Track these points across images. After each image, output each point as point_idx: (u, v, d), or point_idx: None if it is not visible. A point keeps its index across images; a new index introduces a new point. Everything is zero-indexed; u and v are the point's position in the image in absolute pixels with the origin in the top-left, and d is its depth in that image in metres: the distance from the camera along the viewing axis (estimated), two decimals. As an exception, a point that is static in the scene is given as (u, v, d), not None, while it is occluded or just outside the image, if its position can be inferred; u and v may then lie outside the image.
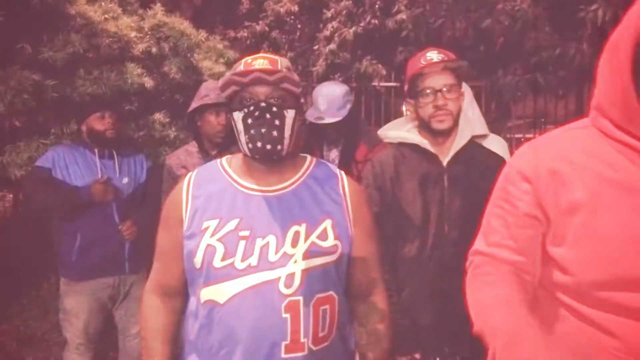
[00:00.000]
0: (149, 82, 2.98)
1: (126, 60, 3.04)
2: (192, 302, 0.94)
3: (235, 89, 0.93)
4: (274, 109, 0.92)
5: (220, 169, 1.00)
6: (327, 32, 4.27)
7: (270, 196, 0.96)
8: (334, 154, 1.95)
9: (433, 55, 1.30)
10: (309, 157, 1.06)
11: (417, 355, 1.20)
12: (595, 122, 0.78)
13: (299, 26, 4.68)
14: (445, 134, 1.30)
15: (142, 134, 2.86)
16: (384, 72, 3.93)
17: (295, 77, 0.96)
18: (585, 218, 0.72)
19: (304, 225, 0.94)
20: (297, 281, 0.89)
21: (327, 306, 0.93)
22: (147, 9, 3.43)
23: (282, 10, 4.53)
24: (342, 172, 1.06)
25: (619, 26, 0.73)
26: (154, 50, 3.20)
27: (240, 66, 0.94)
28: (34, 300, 3.06)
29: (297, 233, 0.93)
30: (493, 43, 2.99)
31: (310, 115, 1.89)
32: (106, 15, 3.04)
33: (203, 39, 3.51)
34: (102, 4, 3.12)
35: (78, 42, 2.72)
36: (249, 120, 0.92)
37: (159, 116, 3.04)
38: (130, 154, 2.07)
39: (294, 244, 0.92)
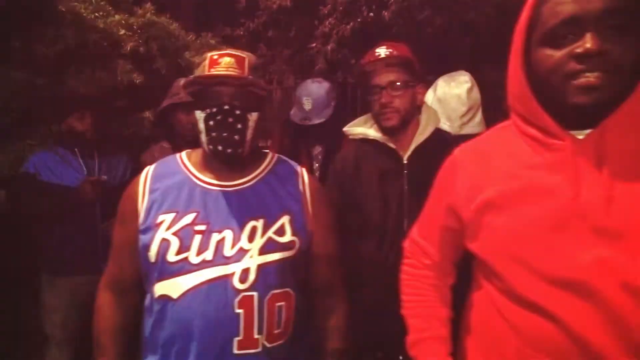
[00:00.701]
0: (138, 78, 2.99)
1: (116, 58, 3.04)
2: (147, 298, 0.94)
3: (199, 88, 0.92)
4: (237, 112, 0.91)
5: (180, 163, 1.00)
6: (325, 29, 4.23)
7: (228, 191, 0.96)
8: (317, 149, 1.95)
9: (381, 50, 1.27)
10: (270, 154, 1.06)
11: (379, 354, 1.20)
12: (512, 119, 0.78)
13: (294, 23, 4.66)
14: (395, 132, 1.27)
15: (131, 132, 2.87)
16: None
17: (261, 81, 0.94)
18: (495, 217, 0.74)
19: (261, 221, 0.94)
20: (252, 276, 0.89)
21: (283, 303, 0.93)
22: (139, 8, 3.43)
23: (274, 6, 4.51)
24: (303, 169, 1.05)
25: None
26: (142, 49, 3.21)
27: (206, 62, 0.92)
28: (27, 295, 3.08)
29: (254, 228, 0.93)
30: (478, 36, 2.96)
31: (295, 117, 1.88)
32: (96, 14, 3.05)
33: (192, 40, 3.51)
34: (93, 1, 3.12)
35: (69, 37, 2.74)
36: (211, 122, 0.91)
37: (148, 114, 3.05)
38: (111, 153, 2.07)
39: (251, 239, 0.92)
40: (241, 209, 0.94)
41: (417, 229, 0.96)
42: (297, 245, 0.95)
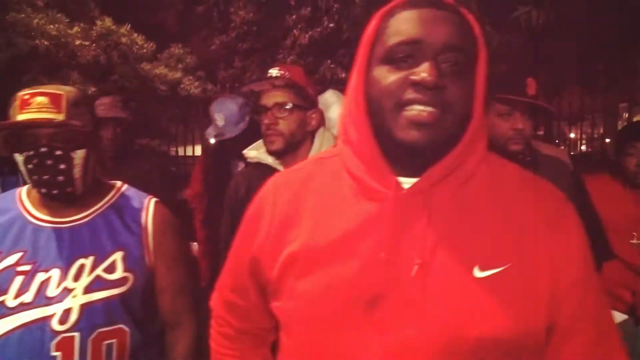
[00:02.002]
0: (91, 89, 3.00)
1: (71, 69, 3.05)
2: None
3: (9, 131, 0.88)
4: (58, 152, 0.88)
5: (16, 199, 0.98)
6: (288, 40, 4.26)
7: (62, 228, 0.94)
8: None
9: (273, 71, 1.26)
10: (117, 186, 1.04)
11: None
12: (339, 147, 0.68)
13: (264, 34, 4.66)
14: (280, 155, 1.23)
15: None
16: (342, 75, 3.89)
17: (83, 115, 0.90)
18: (297, 280, 0.62)
19: (90, 258, 0.92)
20: (73, 317, 0.87)
21: (113, 340, 0.90)
22: (97, 21, 3.44)
23: (237, 19, 4.54)
24: (152, 201, 1.03)
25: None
26: (102, 58, 3.22)
27: (17, 103, 0.88)
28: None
29: (82, 266, 0.91)
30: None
31: (210, 134, 1.88)
32: (52, 25, 3.06)
33: (151, 50, 3.52)
34: (49, 13, 3.14)
35: (20, 44, 2.75)
36: (30, 166, 0.88)
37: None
38: None
39: (77, 277, 0.90)
40: (72, 247, 0.92)
41: (224, 281, 0.79)
42: (131, 282, 0.93)
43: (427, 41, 0.57)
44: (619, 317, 1.67)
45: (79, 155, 0.91)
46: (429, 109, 0.56)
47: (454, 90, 0.57)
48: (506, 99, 1.38)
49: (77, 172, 0.91)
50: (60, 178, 0.89)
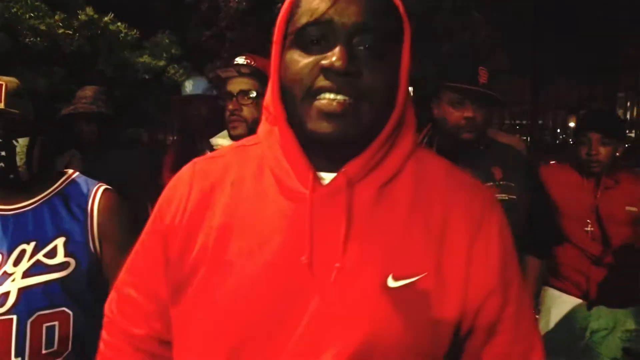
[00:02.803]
0: (74, 84, 3.00)
1: (54, 61, 3.05)
2: None
3: None
4: None
5: None
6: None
7: (7, 215, 0.97)
8: None
9: (240, 59, 1.29)
10: (67, 174, 1.07)
11: None
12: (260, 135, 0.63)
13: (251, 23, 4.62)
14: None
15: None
16: None
17: (23, 104, 0.94)
18: (205, 276, 0.56)
19: (32, 244, 0.95)
20: (11, 300, 0.91)
21: (55, 323, 0.94)
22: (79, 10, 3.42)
23: (232, 7, 4.49)
24: (101, 189, 1.06)
25: None
26: (86, 48, 3.22)
27: None
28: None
29: (23, 251, 0.94)
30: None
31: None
32: (32, 14, 3.06)
33: (137, 37, 3.51)
34: (29, 2, 3.12)
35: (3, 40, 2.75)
36: None
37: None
38: None
39: (17, 262, 0.93)
40: (16, 233, 0.95)
41: (127, 279, 0.69)
42: (72, 266, 0.96)
43: (339, 21, 0.51)
44: (573, 301, 1.72)
45: (21, 143, 0.94)
46: (340, 97, 0.50)
47: (371, 77, 0.51)
48: (457, 87, 1.40)
49: (19, 159, 0.94)
50: (1, 164, 0.92)
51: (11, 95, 0.93)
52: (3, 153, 0.92)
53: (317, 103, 0.52)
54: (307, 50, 0.53)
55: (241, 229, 0.56)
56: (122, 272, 0.71)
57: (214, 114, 1.84)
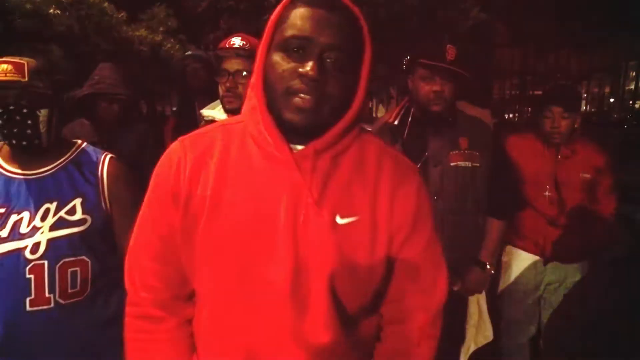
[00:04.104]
0: (69, 63, 3.10)
1: (49, 40, 3.13)
2: None
3: None
4: (25, 110, 1.07)
5: None
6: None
7: (30, 179, 1.15)
8: None
9: (236, 40, 1.41)
10: (78, 144, 1.24)
11: None
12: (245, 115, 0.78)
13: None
14: (236, 114, 1.43)
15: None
16: None
17: (43, 80, 1.09)
18: (210, 216, 0.73)
19: (54, 203, 1.13)
20: (42, 248, 1.10)
21: (77, 268, 1.13)
22: None
23: None
24: (107, 157, 1.23)
25: None
26: (76, 28, 3.30)
27: None
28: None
29: (47, 210, 1.12)
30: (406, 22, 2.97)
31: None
32: None
33: (124, 19, 3.56)
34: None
35: None
36: (1, 122, 1.08)
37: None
38: None
39: (44, 218, 1.12)
40: (40, 194, 1.13)
41: (141, 256, 0.82)
42: (89, 222, 1.15)
43: (315, 40, 0.68)
44: (531, 258, 1.93)
45: (43, 113, 1.10)
46: (310, 97, 0.68)
47: (333, 84, 0.69)
48: (427, 64, 1.54)
49: (42, 127, 1.11)
50: (28, 131, 1.09)
51: (33, 72, 1.08)
52: (29, 122, 1.09)
53: (293, 100, 0.69)
54: (288, 55, 0.70)
55: (232, 185, 0.74)
56: (132, 241, 0.84)
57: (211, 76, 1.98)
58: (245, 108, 0.79)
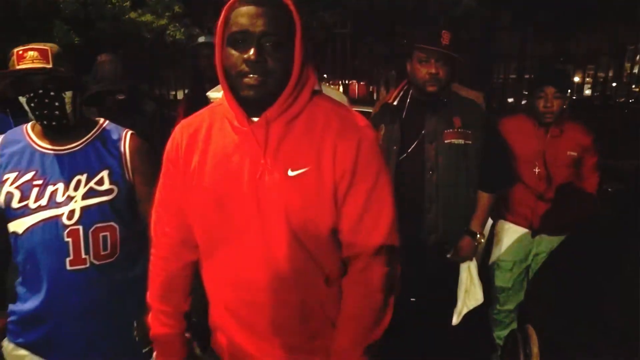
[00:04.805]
0: (77, 39, 3.19)
1: (53, 20, 3.21)
2: (10, 235, 1.29)
3: (12, 79, 1.18)
4: (52, 93, 1.18)
5: (24, 133, 1.30)
6: None
7: (61, 154, 1.27)
8: None
9: None
10: (101, 122, 1.36)
11: None
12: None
13: None
14: None
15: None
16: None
17: (66, 65, 1.20)
18: (196, 184, 0.95)
19: (84, 175, 1.26)
20: (76, 215, 1.23)
21: (107, 233, 1.27)
22: None
23: None
24: (128, 133, 1.35)
25: None
26: (81, 13, 3.37)
27: (14, 58, 1.17)
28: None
29: (79, 181, 1.25)
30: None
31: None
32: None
33: (129, 5, 3.63)
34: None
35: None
36: (32, 104, 1.19)
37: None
38: None
39: (76, 188, 1.25)
40: (71, 167, 1.26)
41: (160, 212, 1.06)
42: (116, 192, 1.27)
43: (252, 30, 0.84)
44: (521, 230, 2.06)
45: (68, 95, 1.21)
46: (255, 76, 0.85)
47: (272, 62, 0.85)
48: (423, 48, 1.65)
49: (68, 108, 1.22)
50: (56, 112, 1.20)
51: (56, 57, 1.19)
52: (57, 104, 1.20)
53: (244, 80, 0.87)
54: (235, 47, 0.86)
55: (212, 154, 0.95)
56: (155, 201, 1.07)
57: None
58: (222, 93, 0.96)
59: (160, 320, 1.09)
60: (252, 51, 0.84)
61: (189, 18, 4.67)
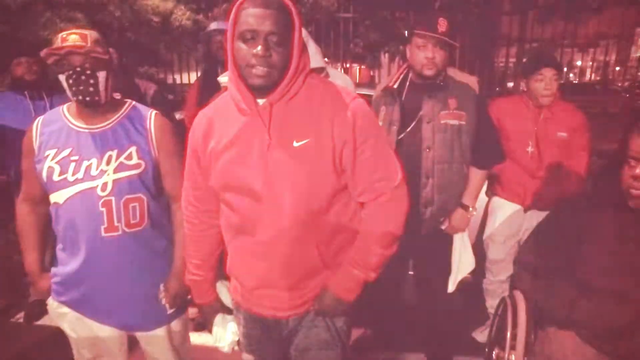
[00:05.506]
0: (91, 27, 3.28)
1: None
2: (51, 205, 1.44)
3: (56, 58, 1.33)
4: (88, 72, 1.32)
5: (61, 113, 1.43)
6: None
7: (94, 132, 1.41)
8: None
9: None
10: (128, 102, 1.48)
11: None
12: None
13: None
14: None
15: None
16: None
17: (98, 49, 1.33)
18: (216, 160, 1.14)
19: (115, 151, 1.39)
20: (109, 187, 1.37)
21: (136, 204, 1.41)
22: None
23: None
24: (153, 112, 1.48)
25: None
26: None
27: (58, 40, 1.31)
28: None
29: (110, 156, 1.39)
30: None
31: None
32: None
33: None
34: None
35: None
36: (70, 81, 1.32)
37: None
38: (62, 92, 2.47)
39: (108, 163, 1.38)
40: (103, 144, 1.39)
41: (187, 186, 1.27)
42: (143, 166, 1.41)
43: (260, 30, 1.00)
44: (513, 207, 2.20)
45: (101, 75, 1.34)
46: (262, 68, 1.01)
47: (276, 56, 1.01)
48: (420, 34, 1.77)
49: (101, 87, 1.35)
50: (91, 89, 1.33)
51: (93, 41, 1.32)
52: (92, 81, 1.33)
53: (252, 70, 1.03)
54: (245, 42, 1.02)
55: (225, 134, 1.12)
56: (184, 176, 1.27)
57: None
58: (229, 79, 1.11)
59: (190, 270, 1.32)
60: (259, 47, 1.00)
61: (194, 4, 4.71)
